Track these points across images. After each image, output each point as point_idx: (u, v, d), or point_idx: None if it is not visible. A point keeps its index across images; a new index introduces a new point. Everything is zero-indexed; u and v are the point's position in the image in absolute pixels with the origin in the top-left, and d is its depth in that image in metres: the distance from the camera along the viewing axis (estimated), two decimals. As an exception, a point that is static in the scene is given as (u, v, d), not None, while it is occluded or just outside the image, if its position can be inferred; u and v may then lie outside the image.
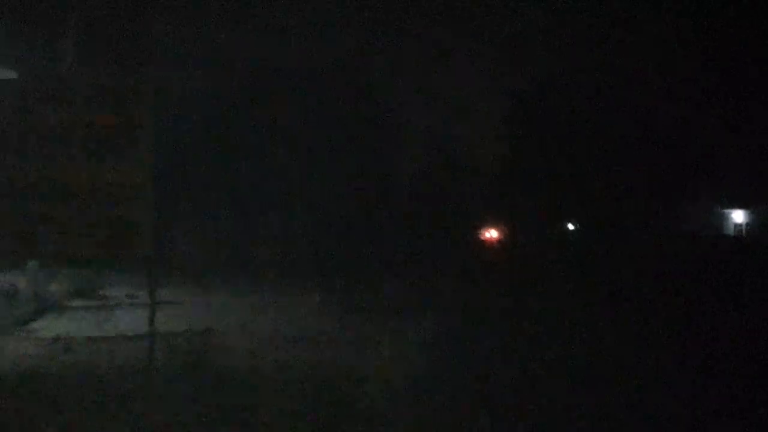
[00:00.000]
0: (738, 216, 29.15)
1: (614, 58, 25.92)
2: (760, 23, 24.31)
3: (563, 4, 26.02)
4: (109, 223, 5.89)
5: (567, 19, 25.40)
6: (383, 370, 6.70)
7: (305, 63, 21.52)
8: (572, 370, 6.98)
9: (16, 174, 5.90)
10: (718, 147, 26.47)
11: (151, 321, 6.22)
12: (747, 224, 28.99)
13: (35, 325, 9.44)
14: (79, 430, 4.64)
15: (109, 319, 9.65)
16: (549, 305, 12.25)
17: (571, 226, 26.72)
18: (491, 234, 30.06)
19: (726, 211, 28.92)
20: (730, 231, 28.98)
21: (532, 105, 25.32)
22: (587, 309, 11.95)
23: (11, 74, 15.62)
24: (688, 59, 26.33)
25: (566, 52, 25.53)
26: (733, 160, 26.74)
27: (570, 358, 7.59)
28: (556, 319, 10.66)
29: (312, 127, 20.24)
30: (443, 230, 27.66)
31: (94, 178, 5.72)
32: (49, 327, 9.07)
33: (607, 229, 23.67)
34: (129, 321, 9.49)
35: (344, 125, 21.10)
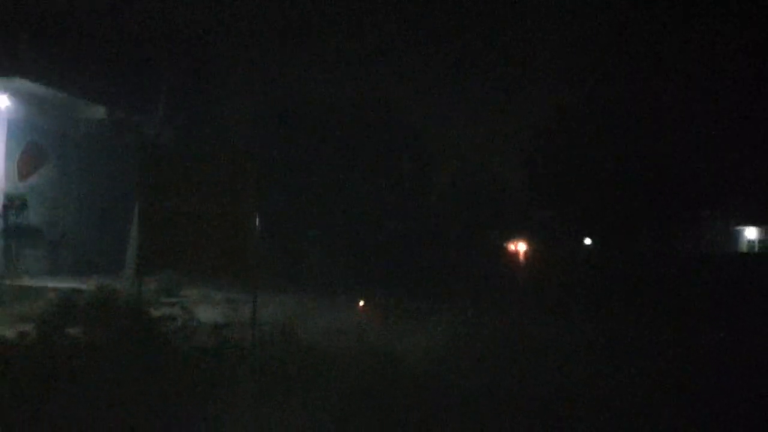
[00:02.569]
0: (751, 233, 30.73)
1: (631, 82, 26.98)
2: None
3: (584, 33, 27.89)
4: (225, 243, 7.95)
5: (586, 47, 27.14)
6: (415, 351, 9.30)
7: (352, 102, 24.58)
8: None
9: (157, 208, 8.24)
10: (730, 165, 26.93)
11: (254, 312, 8.61)
12: (760, 241, 30.55)
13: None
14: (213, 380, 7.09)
15: (196, 311, 11.90)
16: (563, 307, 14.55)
17: (588, 242, 28.68)
18: (517, 247, 32.18)
19: (739, 228, 30.46)
20: (744, 248, 30.55)
21: (552, 130, 27.25)
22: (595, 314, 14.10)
23: (100, 112, 18.46)
24: (702, 81, 27.15)
25: (585, 78, 27.18)
26: (745, 178, 27.43)
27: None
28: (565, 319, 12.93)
29: (358, 160, 22.83)
30: (475, 244, 30.01)
31: (215, 211, 7.83)
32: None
33: (619, 245, 25.52)
34: (211, 313, 11.96)
35: (385, 157, 23.74)
